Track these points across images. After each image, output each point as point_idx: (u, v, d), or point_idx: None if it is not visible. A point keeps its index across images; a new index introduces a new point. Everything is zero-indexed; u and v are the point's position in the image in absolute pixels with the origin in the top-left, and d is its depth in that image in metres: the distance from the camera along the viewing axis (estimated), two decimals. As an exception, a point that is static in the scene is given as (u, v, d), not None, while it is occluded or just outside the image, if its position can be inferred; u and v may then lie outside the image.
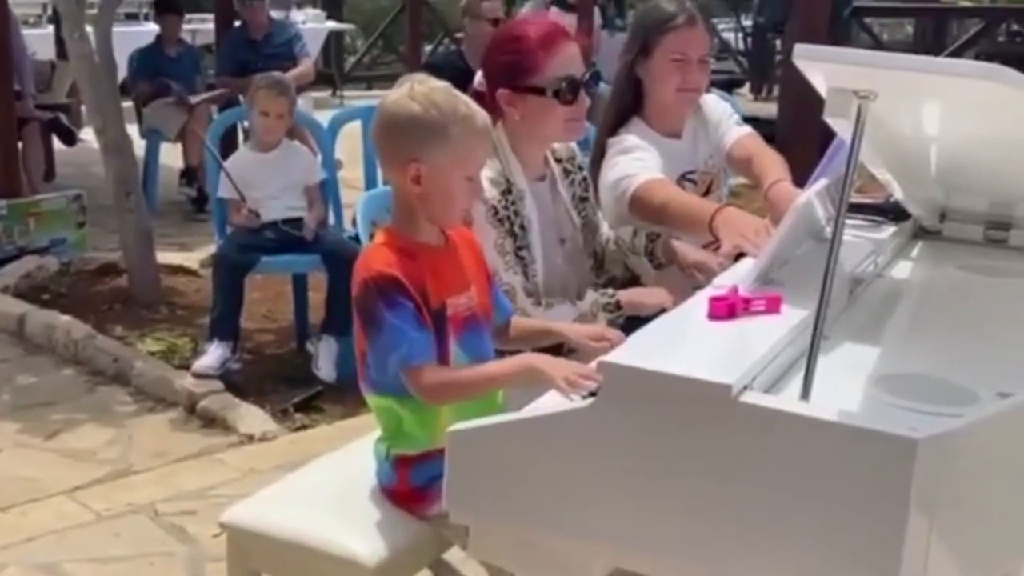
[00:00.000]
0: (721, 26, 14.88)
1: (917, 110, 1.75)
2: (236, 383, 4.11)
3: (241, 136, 6.11)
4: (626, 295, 2.50)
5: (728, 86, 10.64)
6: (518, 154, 2.47)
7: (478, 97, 2.48)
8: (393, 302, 1.93)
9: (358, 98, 11.69)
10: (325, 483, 2.24)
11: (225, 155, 4.66)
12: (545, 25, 2.50)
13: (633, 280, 2.65)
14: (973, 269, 2.35)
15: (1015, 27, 9.80)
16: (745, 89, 13.09)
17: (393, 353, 1.93)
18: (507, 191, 2.42)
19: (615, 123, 2.86)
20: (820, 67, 1.57)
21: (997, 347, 1.94)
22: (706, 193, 2.89)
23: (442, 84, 2.06)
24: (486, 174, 2.29)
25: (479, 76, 2.62)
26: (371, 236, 2.30)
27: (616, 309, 2.46)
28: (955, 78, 1.46)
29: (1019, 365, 1.82)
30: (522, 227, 2.43)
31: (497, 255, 2.38)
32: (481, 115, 2.05)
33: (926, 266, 2.43)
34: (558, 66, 2.40)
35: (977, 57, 13.01)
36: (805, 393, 1.54)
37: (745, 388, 1.52)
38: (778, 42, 12.51)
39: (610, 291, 2.52)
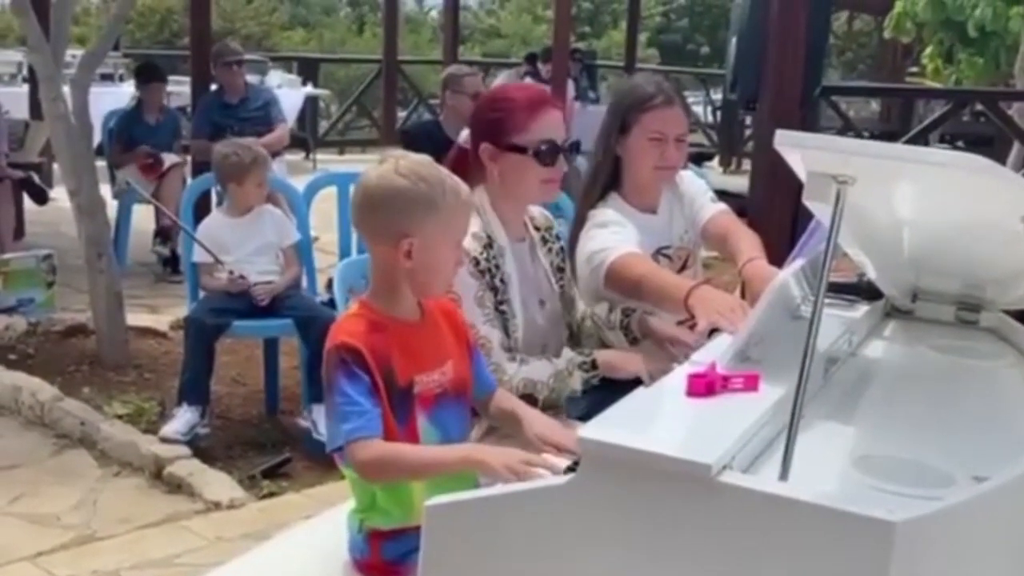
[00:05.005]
0: (691, 99, 15.15)
1: (893, 194, 1.79)
2: (204, 448, 4.07)
3: (215, 199, 6.11)
4: (602, 356, 2.53)
5: (698, 159, 10.79)
6: (499, 213, 2.52)
7: (462, 153, 2.56)
8: (351, 373, 1.93)
9: (330, 162, 11.76)
10: (297, 554, 2.21)
11: (199, 216, 4.66)
12: (534, 91, 2.63)
13: None
14: (945, 350, 2.38)
15: (979, 107, 10.01)
16: (715, 162, 13.28)
17: (344, 424, 1.92)
18: (488, 245, 2.46)
19: (594, 197, 2.90)
20: (800, 152, 1.60)
21: (969, 429, 1.96)
22: (682, 268, 2.92)
23: (424, 157, 2.08)
24: (469, 229, 2.33)
25: (465, 133, 2.69)
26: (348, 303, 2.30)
27: (592, 368, 2.48)
28: (931, 166, 1.50)
29: (991, 448, 1.84)
30: (503, 281, 2.47)
31: (476, 307, 2.40)
32: (464, 185, 2.08)
33: (899, 346, 2.46)
34: (540, 129, 2.48)
35: (943, 136, 13.32)
36: (784, 473, 1.54)
37: (724, 467, 1.53)
38: (748, 118, 12.72)
39: (586, 351, 2.54)
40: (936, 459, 1.72)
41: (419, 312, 2.10)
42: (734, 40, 5.41)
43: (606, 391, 2.34)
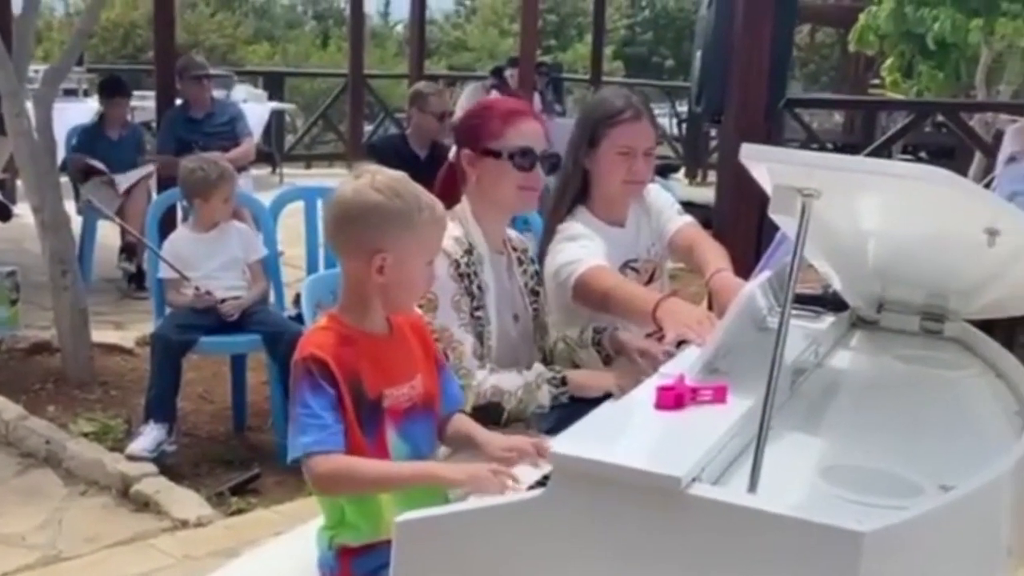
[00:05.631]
0: (657, 111, 15.22)
1: (857, 207, 1.81)
2: (171, 466, 4.03)
3: (180, 214, 6.07)
4: (573, 374, 2.53)
5: (664, 171, 10.82)
6: (480, 221, 2.55)
7: (452, 169, 2.63)
8: (316, 386, 1.93)
9: (297, 176, 11.72)
10: (266, 572, 2.20)
11: (165, 232, 4.63)
12: (515, 102, 2.72)
13: None
14: (910, 360, 2.40)
15: (940, 119, 10.13)
16: (680, 174, 13.35)
17: (303, 436, 1.91)
18: (469, 252, 2.49)
19: (562, 211, 2.91)
20: (765, 166, 1.61)
21: (935, 438, 1.98)
22: (649, 281, 2.94)
23: (400, 174, 2.08)
24: (451, 234, 2.37)
25: (454, 149, 2.72)
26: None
27: (561, 384, 2.48)
28: (894, 179, 1.52)
29: (957, 457, 1.86)
30: (480, 288, 2.49)
31: (452, 311, 2.42)
32: (439, 203, 2.09)
33: (865, 356, 2.48)
34: (516, 135, 2.53)
35: (906, 147, 13.47)
36: (753, 485, 1.56)
37: (694, 480, 1.54)
38: (713, 130, 12.80)
39: (557, 367, 2.55)
40: (903, 469, 1.74)
41: (388, 327, 2.10)
42: (699, 54, 5.44)
43: (573, 407, 2.35)
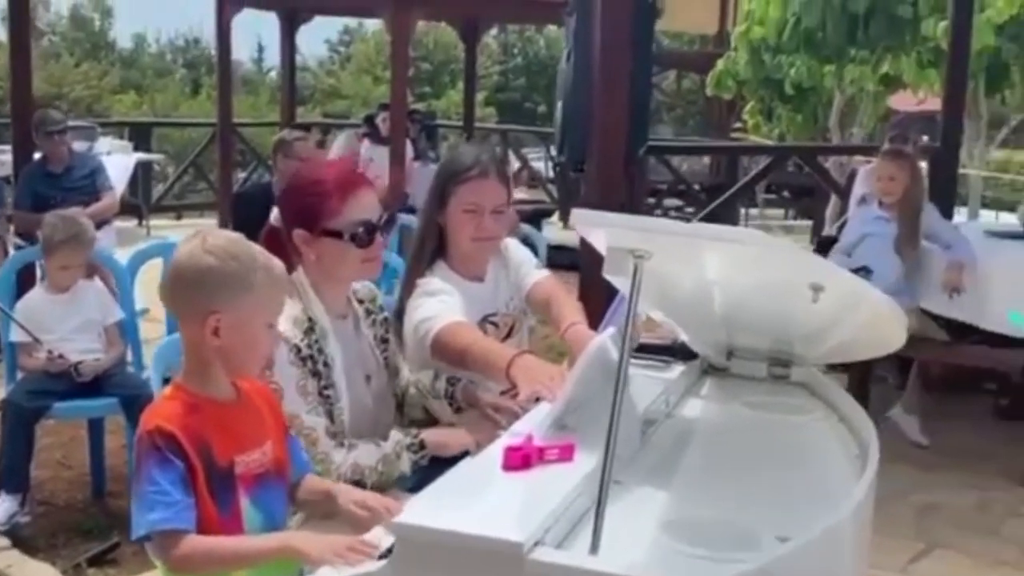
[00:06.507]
0: (532, 155, 15.44)
1: (690, 265, 1.85)
2: (25, 538, 3.87)
3: (39, 273, 5.87)
4: (430, 435, 2.51)
5: (538, 216, 10.95)
6: (319, 293, 2.48)
7: (275, 232, 2.52)
8: (164, 460, 1.89)
9: (167, 228, 11.49)
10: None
11: (23, 292, 4.48)
12: (344, 171, 2.55)
13: (432, 424, 2.66)
14: (757, 407, 2.46)
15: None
16: (555, 218, 13.51)
17: (151, 513, 1.87)
18: (310, 329, 2.42)
19: (422, 265, 2.90)
20: (598, 230, 1.65)
21: (778, 487, 2.03)
22: (508, 335, 2.95)
23: (235, 235, 2.06)
24: (288, 314, 2.29)
25: (276, 212, 2.63)
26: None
27: (420, 449, 2.46)
28: (716, 242, 1.56)
29: (797, 506, 1.91)
30: (326, 364, 2.42)
31: (299, 397, 2.36)
32: (278, 262, 2.06)
33: (715, 404, 2.54)
34: (354, 211, 2.45)
35: (770, 186, 13.90)
36: (594, 546, 1.57)
37: (536, 544, 1.54)
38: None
39: (414, 431, 2.52)
40: (745, 519, 1.78)
41: (235, 392, 2.06)
42: (560, 104, 5.52)
43: (433, 467, 2.33)
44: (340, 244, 2.44)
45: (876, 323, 2.06)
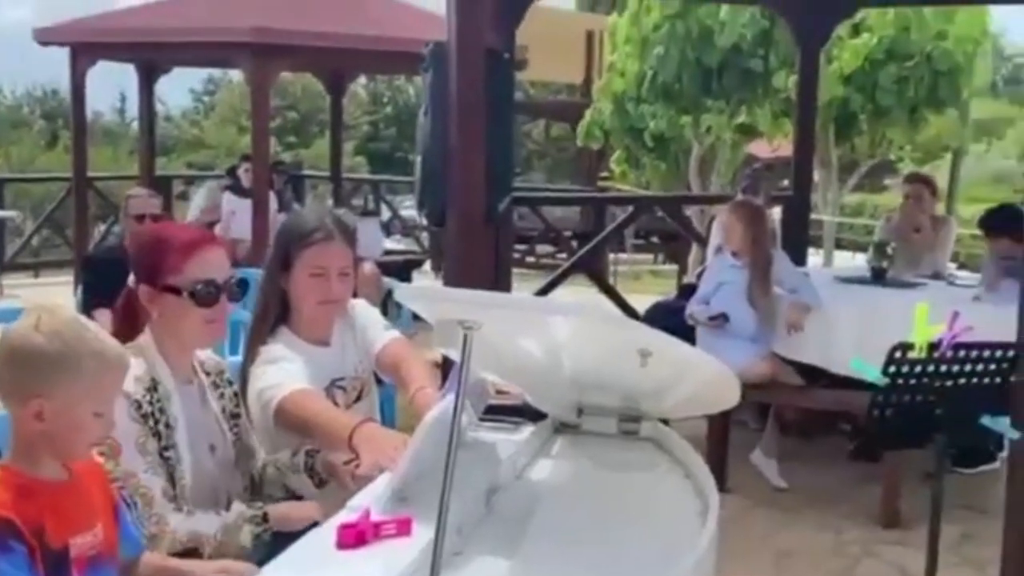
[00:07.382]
0: (405, 204, 15.42)
1: (524, 333, 1.84)
2: None
3: None
4: (274, 508, 2.44)
5: (409, 266, 10.92)
6: (164, 355, 2.44)
7: (132, 293, 2.49)
8: (5, 547, 1.80)
9: (23, 286, 11.08)
10: None
11: None
12: (192, 231, 2.60)
13: (295, 499, 2.59)
14: (606, 465, 2.46)
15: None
16: (427, 267, 13.48)
17: None
18: (153, 388, 2.36)
19: (264, 332, 2.83)
20: (425, 304, 1.63)
21: (624, 546, 2.03)
22: (357, 399, 2.89)
23: (72, 316, 1.99)
24: (132, 373, 2.22)
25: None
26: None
27: (263, 522, 2.39)
28: (539, 313, 1.56)
29: (644, 566, 1.91)
30: (168, 426, 2.36)
31: (138, 455, 2.28)
32: (114, 348, 1.99)
33: (564, 463, 2.53)
34: (196, 269, 2.42)
35: (638, 232, 14.16)
36: (426, 629, 1.53)
37: (365, 629, 1.50)
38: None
39: (258, 504, 2.45)
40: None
41: (66, 472, 1.98)
42: (418, 159, 5.51)
43: (279, 546, 2.25)
44: (181, 301, 2.41)
45: (709, 383, 2.08)
